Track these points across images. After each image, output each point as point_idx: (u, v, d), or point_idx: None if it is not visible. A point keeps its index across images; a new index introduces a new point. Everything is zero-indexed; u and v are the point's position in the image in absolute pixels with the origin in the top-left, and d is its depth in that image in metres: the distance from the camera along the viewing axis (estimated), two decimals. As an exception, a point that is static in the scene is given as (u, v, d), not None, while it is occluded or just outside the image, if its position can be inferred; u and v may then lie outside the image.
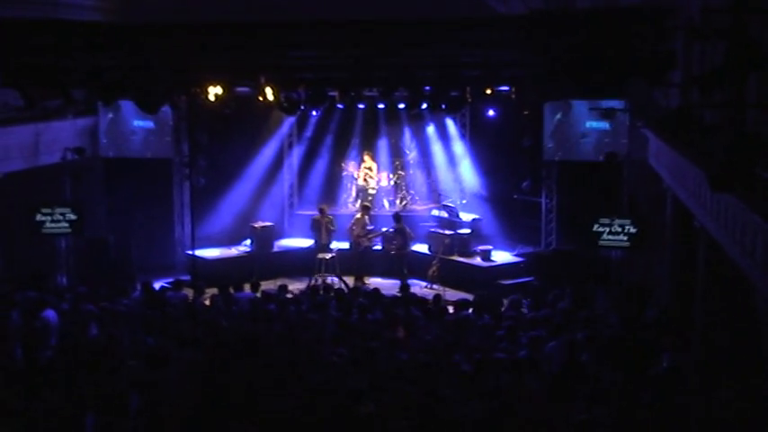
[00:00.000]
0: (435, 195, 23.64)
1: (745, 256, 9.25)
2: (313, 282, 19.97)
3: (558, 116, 20.72)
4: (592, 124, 20.40)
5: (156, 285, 17.05)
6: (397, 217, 21.09)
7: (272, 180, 23.46)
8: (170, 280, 17.73)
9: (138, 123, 21.77)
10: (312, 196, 24.23)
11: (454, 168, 23.63)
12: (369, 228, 21.49)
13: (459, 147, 23.54)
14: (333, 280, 20.21)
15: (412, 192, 24.20)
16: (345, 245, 21.58)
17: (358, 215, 21.39)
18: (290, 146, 24.08)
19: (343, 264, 21.00)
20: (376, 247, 21.81)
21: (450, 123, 23.58)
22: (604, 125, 20.14)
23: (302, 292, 17.55)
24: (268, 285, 18.73)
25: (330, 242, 20.98)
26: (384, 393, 10.50)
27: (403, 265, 20.63)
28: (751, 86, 9.83)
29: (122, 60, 17.65)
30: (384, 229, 21.56)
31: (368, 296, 16.01)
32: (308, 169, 24.36)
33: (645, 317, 14.61)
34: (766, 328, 9.02)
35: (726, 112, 10.30)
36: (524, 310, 15.44)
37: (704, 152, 10.52)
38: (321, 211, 21.25)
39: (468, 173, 23.29)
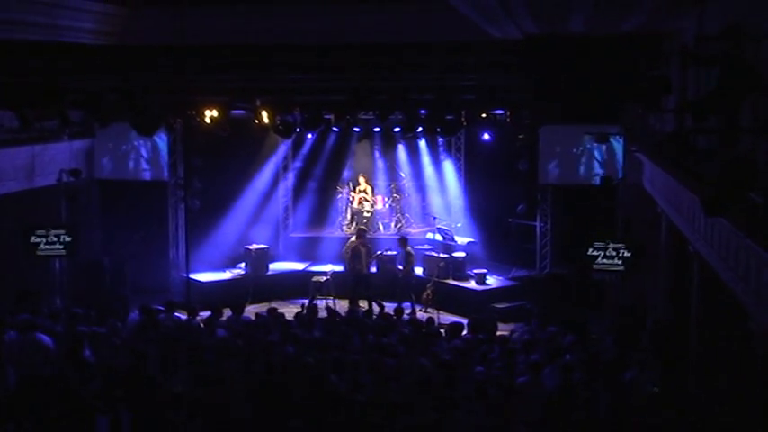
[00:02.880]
0: (430, 218, 23.66)
1: (738, 281, 9.26)
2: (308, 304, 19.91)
3: (554, 140, 20.79)
4: (587, 148, 20.48)
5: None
6: (403, 240, 20.95)
7: (267, 203, 23.48)
8: (163, 302, 17.62)
9: (134, 146, 21.82)
10: (307, 219, 24.29)
11: (449, 192, 23.67)
12: (364, 250, 21.39)
13: (454, 170, 23.59)
14: (329, 302, 20.19)
15: (407, 215, 24.21)
16: (340, 267, 21.52)
17: (353, 238, 21.32)
18: (285, 168, 24.12)
19: (337, 286, 20.97)
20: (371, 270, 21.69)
21: (445, 146, 23.65)
22: (599, 149, 20.22)
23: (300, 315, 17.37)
24: (262, 308, 18.71)
25: (369, 269, 20.73)
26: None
27: (410, 288, 20.54)
28: (745, 112, 9.88)
29: (119, 82, 17.70)
30: (379, 252, 21.51)
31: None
32: (303, 192, 24.43)
33: (641, 339, 14.62)
34: (761, 352, 9.02)
35: (720, 138, 10.33)
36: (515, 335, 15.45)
37: (698, 177, 10.56)
38: (359, 234, 21.07)
39: (462, 196, 23.33)
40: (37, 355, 12.90)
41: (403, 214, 24.17)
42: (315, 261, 23.03)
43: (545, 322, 15.49)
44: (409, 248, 20.71)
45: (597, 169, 20.20)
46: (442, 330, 16.02)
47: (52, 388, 11.59)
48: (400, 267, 20.79)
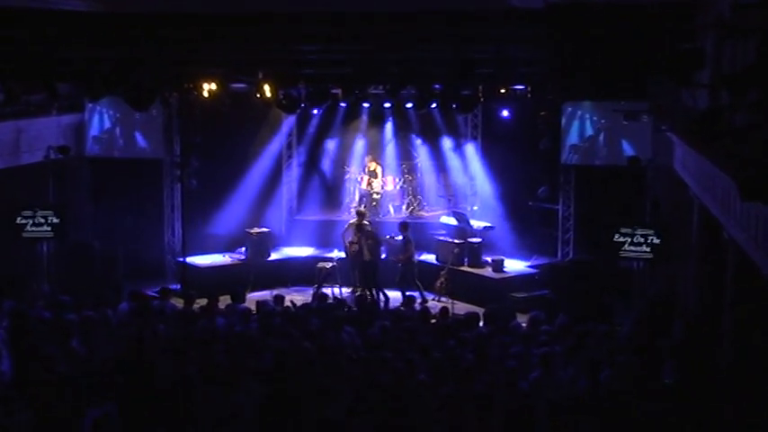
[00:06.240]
0: (445, 201, 23.58)
1: (777, 271, 9.19)
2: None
3: (578, 117, 20.68)
4: (614, 127, 20.37)
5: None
6: (403, 226, 20.74)
7: (270, 183, 23.37)
8: (156, 289, 17.60)
9: (126, 121, 21.78)
10: (313, 201, 24.25)
11: (465, 173, 23.60)
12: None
13: (470, 149, 23.51)
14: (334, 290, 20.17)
15: (419, 197, 24.15)
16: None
17: (352, 220, 21.13)
18: (290, 147, 24.04)
19: (344, 274, 20.93)
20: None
21: (461, 124, 23.57)
22: (627, 128, 20.11)
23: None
24: (264, 296, 18.71)
25: (375, 258, 20.36)
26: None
27: (414, 276, 20.41)
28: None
29: (111, 53, 17.64)
30: (388, 237, 21.41)
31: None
32: (309, 172, 24.38)
33: (671, 334, 14.56)
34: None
35: (758, 115, 10.24)
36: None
37: (734, 157, 10.47)
38: (360, 215, 20.78)
39: (480, 178, 23.25)
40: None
41: (415, 196, 24.11)
42: (321, 246, 22.97)
43: (565, 313, 15.39)
44: (408, 235, 20.54)
45: (626, 150, 20.09)
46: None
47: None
48: (401, 256, 20.63)
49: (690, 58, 12.01)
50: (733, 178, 9.77)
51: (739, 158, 9.84)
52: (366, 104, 21.80)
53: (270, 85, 18.21)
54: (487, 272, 21.01)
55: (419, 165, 24.30)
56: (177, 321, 14.74)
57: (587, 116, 20.66)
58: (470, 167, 23.54)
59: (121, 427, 10.41)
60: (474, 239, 21.56)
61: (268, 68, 18.19)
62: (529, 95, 19.30)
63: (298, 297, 19.59)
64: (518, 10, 15.90)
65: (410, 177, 24.17)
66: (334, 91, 18.93)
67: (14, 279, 17.39)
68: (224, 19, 17.00)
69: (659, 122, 18.48)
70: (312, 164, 24.41)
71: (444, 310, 16.20)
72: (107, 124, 21.86)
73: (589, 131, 20.71)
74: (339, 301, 17.58)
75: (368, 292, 19.77)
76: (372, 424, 10.29)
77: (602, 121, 20.54)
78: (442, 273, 20.74)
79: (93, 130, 21.78)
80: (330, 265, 20.93)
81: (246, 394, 11.10)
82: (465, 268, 21.22)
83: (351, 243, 20.53)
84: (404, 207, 24.00)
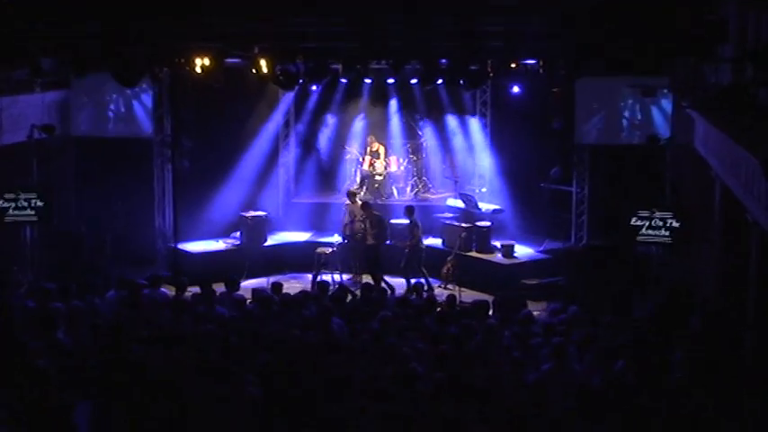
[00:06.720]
0: (452, 183, 23.54)
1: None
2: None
3: (593, 94, 20.62)
4: (631, 104, 20.33)
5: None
6: (409, 210, 20.65)
7: (266, 164, 23.35)
8: (147, 275, 17.56)
9: (114, 98, 21.73)
10: (311, 183, 24.24)
11: (473, 153, 23.54)
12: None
13: (479, 128, 23.45)
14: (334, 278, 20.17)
15: (425, 179, 24.11)
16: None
17: (347, 202, 21.08)
18: (287, 125, 24.04)
19: (344, 259, 20.91)
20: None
21: (469, 101, 23.50)
22: (645, 105, 20.07)
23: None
24: (260, 283, 18.70)
25: (379, 242, 20.38)
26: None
27: (420, 262, 20.42)
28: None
29: (97, 26, 17.59)
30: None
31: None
32: (306, 152, 24.34)
33: (690, 323, 14.55)
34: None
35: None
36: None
37: (759, 135, 10.45)
38: (350, 195, 20.95)
39: (488, 158, 23.20)
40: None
41: (421, 178, 24.07)
42: (319, 231, 22.98)
43: (579, 301, 15.38)
44: (415, 219, 20.50)
45: (642, 127, 20.05)
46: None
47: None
48: (407, 242, 20.58)
49: (712, 30, 11.96)
50: (757, 157, 9.76)
51: (764, 136, 9.82)
52: (368, 80, 21.73)
53: (266, 60, 18.14)
54: (497, 257, 21.01)
55: (424, 145, 24.24)
56: (168, 310, 14.77)
57: (603, 93, 20.59)
58: (478, 147, 23.48)
59: (111, 421, 10.46)
60: (482, 223, 21.53)
61: (264, 42, 18.13)
62: (541, 71, 19.22)
63: (295, 284, 19.59)
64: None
65: (415, 158, 24.14)
66: (334, 66, 18.87)
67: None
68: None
69: (679, 99, 18.43)
70: (310, 144, 24.37)
71: (451, 297, 16.20)
72: (94, 102, 21.77)
73: (605, 109, 20.65)
74: (342, 287, 17.55)
75: (371, 280, 19.77)
76: (372, 415, 10.29)
77: (619, 98, 20.48)
78: (449, 258, 20.72)
79: (80, 107, 21.70)
80: (330, 250, 20.89)
81: (243, 387, 11.12)
82: (473, 254, 21.21)
83: (344, 225, 20.55)
84: (408, 189, 23.98)
